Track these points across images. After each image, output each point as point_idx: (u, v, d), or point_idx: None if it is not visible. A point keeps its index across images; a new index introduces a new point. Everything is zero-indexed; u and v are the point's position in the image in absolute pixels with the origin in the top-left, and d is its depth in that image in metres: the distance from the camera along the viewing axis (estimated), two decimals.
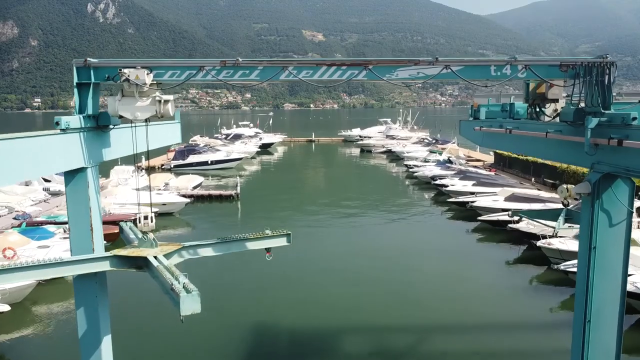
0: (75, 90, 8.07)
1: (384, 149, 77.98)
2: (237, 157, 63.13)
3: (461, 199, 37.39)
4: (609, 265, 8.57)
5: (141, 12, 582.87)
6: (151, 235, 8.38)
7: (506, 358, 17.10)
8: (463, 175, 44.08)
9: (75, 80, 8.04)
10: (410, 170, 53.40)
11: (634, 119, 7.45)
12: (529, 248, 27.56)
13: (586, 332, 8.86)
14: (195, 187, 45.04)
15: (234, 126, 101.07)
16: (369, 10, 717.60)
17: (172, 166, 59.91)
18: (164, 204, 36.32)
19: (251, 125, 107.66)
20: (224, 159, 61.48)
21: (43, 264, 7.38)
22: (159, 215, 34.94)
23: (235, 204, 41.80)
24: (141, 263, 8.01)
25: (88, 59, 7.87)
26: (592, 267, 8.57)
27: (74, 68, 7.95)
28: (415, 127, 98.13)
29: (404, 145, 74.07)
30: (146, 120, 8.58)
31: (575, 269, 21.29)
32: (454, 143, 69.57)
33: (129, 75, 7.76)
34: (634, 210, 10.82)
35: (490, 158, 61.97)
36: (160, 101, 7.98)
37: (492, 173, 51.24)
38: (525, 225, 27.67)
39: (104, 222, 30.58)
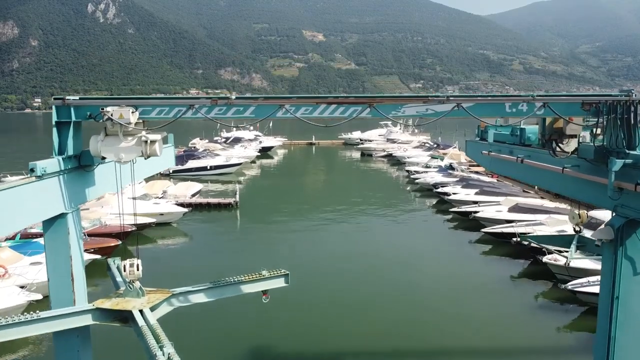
0: (54, 129, 7.44)
1: (385, 153, 77.33)
2: (237, 162, 62.46)
3: (464, 208, 36.75)
4: (633, 317, 7.91)
5: (141, 12, 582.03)
6: (137, 284, 7.74)
7: None
8: (465, 182, 43.44)
9: (54, 119, 7.40)
10: (412, 176, 52.77)
11: None
12: (534, 262, 26.89)
13: None
14: (194, 195, 44.39)
15: (234, 129, 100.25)
16: (369, 11, 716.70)
17: (170, 171, 59.21)
18: (162, 214, 35.70)
19: (251, 127, 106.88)
20: (224, 164, 60.82)
21: (18, 321, 6.74)
22: (157, 225, 34.42)
23: (235, 213, 41.17)
24: (127, 315, 7.37)
25: (67, 97, 7.23)
26: (614, 319, 7.91)
27: (53, 107, 7.30)
28: (416, 131, 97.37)
29: (404, 149, 73.44)
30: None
31: (583, 289, 20.81)
32: (455, 147, 68.89)
33: (112, 115, 7.11)
34: None
35: None
36: (146, 141, 7.32)
37: (494, 179, 50.63)
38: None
39: (100, 235, 29.98)
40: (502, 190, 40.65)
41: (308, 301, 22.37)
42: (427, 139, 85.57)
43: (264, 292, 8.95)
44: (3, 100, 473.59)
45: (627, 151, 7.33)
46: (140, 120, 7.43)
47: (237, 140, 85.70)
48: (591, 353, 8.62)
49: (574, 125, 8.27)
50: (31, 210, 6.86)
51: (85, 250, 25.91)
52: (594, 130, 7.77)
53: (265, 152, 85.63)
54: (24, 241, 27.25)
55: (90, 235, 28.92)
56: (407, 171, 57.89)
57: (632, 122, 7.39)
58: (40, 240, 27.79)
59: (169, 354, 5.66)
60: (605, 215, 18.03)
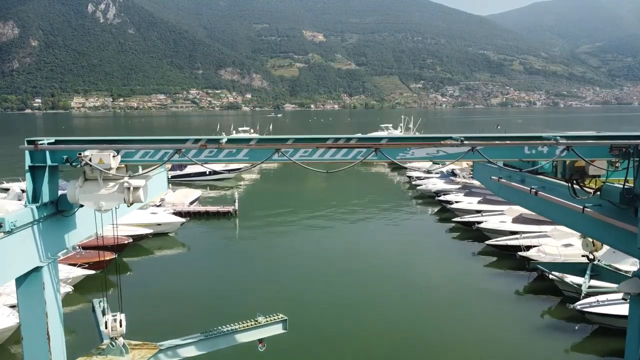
0: (28, 175, 6.75)
1: None
2: (236, 167, 61.67)
3: (467, 218, 36.06)
4: None
5: (142, 13, 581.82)
6: (121, 341, 7.05)
7: None
8: (468, 190, 42.76)
9: (28, 163, 6.71)
10: (413, 183, 52.09)
11: None
12: (540, 277, 26.19)
13: None
14: (192, 202, 43.71)
15: (234, 132, 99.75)
16: (369, 11, 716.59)
17: (169, 177, 58.49)
18: (159, 224, 35.00)
19: (251, 130, 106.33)
20: (223, 170, 60.09)
21: None
22: (154, 235, 33.73)
23: (234, 221, 40.48)
24: None
25: (40, 141, 6.53)
26: None
27: (26, 152, 6.61)
28: (417, 134, 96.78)
29: None
30: None
31: (592, 309, 20.11)
32: None
33: (90, 159, 6.43)
34: None
35: None
36: (129, 188, 6.64)
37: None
38: (536, 253, 26.35)
39: (94, 247, 29.27)
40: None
41: (308, 324, 21.69)
42: None
43: (260, 340, 8.27)
44: (3, 100, 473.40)
45: None
46: (123, 165, 6.77)
47: None
48: None
49: (598, 166, 7.61)
50: (2, 269, 6.16)
51: (79, 265, 25.33)
52: (626, 177, 7.06)
53: None
54: None
55: (84, 248, 28.18)
56: (408, 177, 57.20)
57: None
58: None
59: None
60: None
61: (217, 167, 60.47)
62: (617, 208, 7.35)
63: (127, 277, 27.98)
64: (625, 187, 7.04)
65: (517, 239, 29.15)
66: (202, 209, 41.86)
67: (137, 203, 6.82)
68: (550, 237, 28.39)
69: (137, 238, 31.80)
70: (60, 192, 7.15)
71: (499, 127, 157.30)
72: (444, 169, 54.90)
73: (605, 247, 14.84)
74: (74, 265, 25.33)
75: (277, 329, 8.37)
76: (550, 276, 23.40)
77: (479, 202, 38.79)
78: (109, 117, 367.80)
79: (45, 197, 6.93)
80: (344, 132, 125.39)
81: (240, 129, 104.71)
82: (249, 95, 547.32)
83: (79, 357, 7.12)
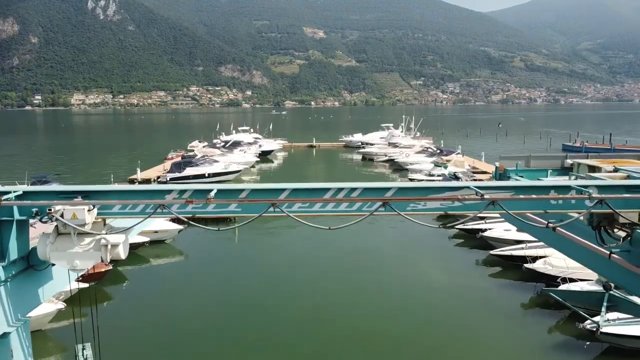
0: None
1: (386, 158, 75.86)
2: (236, 169, 61.00)
3: (470, 225, 35.28)
4: None
5: (142, 9, 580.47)
6: None
7: None
8: None
9: None
10: None
11: None
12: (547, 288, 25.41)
13: None
14: None
15: (233, 131, 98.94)
16: (370, 7, 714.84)
17: (168, 179, 57.86)
18: (156, 232, 34.27)
19: (251, 130, 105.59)
20: (222, 172, 59.33)
21: None
22: (150, 243, 33.04)
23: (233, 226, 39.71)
24: None
25: (6, 194, 5.77)
26: None
27: None
28: (418, 134, 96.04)
29: (407, 155, 71.93)
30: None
31: (603, 329, 19.35)
32: (458, 154, 67.50)
33: (62, 215, 5.70)
34: None
35: None
36: (107, 245, 5.90)
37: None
38: (542, 265, 25.62)
39: None
40: None
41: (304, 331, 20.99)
42: (430, 142, 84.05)
43: None
44: (3, 97, 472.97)
45: None
46: (99, 219, 6.03)
47: (236, 144, 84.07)
48: None
49: (630, 213, 6.88)
50: None
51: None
52: None
53: (264, 156, 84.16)
54: None
55: None
56: (410, 179, 56.42)
57: None
58: None
59: None
60: None
61: (216, 169, 59.83)
62: None
63: (122, 290, 27.27)
64: None
65: (522, 248, 28.40)
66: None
67: (117, 259, 6.07)
68: None
69: (134, 246, 31.13)
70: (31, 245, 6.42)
71: (500, 125, 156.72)
72: (446, 172, 54.23)
73: None
74: None
75: None
76: (559, 289, 22.65)
77: None
78: (109, 115, 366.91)
79: (14, 253, 6.18)
80: (343, 131, 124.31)
81: (240, 128, 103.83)
82: (249, 92, 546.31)
83: None
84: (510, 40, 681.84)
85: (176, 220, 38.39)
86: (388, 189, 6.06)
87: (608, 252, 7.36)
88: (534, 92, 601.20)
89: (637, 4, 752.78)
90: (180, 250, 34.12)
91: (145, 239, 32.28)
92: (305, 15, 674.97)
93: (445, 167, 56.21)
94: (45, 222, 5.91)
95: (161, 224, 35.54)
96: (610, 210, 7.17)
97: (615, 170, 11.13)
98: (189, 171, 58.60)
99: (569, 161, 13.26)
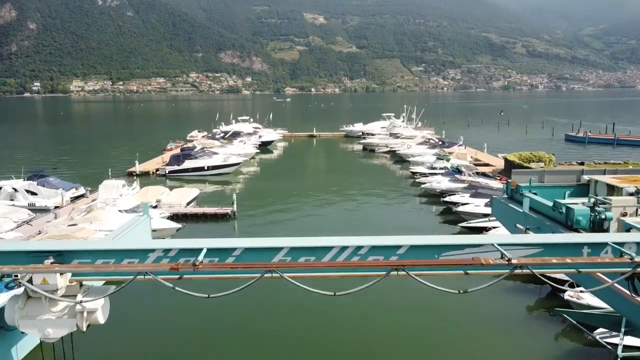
0: None
1: (388, 149, 75.02)
2: (235, 162, 60.30)
3: (474, 223, 34.70)
4: None
5: None
6: None
7: None
8: (474, 191, 41.26)
9: None
10: (417, 180, 50.61)
11: None
12: (553, 295, 24.80)
13: None
14: (190, 202, 42.35)
15: (233, 121, 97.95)
16: None
17: (167, 172, 57.24)
18: (154, 231, 33.54)
19: (251, 119, 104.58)
20: (222, 164, 58.68)
21: None
22: None
23: (232, 223, 39.18)
24: None
25: None
26: None
27: None
28: (419, 124, 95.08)
29: (408, 146, 71.11)
30: None
31: (612, 340, 18.72)
32: (460, 145, 66.72)
33: (31, 280, 5.00)
34: None
35: (499, 162, 59.20)
36: (82, 312, 5.20)
37: (504, 182, 48.58)
38: None
39: None
40: None
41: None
42: (432, 133, 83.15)
43: None
44: (2, 84, 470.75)
45: None
46: (74, 282, 5.33)
47: (235, 134, 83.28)
48: None
49: None
50: None
51: None
52: None
53: (264, 146, 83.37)
54: None
55: None
56: (412, 172, 55.73)
57: None
58: None
59: None
60: None
61: (216, 161, 59.12)
62: None
63: (113, 298, 26.57)
64: None
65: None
66: (199, 210, 40.44)
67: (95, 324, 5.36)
68: None
69: None
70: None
71: (502, 113, 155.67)
72: (449, 165, 53.52)
73: None
74: None
75: None
76: (565, 296, 22.02)
77: (486, 205, 37.32)
78: (108, 102, 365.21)
79: None
80: (344, 120, 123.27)
81: (239, 118, 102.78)
82: (249, 79, 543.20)
83: None
84: (512, 26, 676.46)
85: (175, 216, 37.92)
86: (399, 246, 5.36)
87: None
88: (535, 79, 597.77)
89: None
90: None
91: None
92: (305, 1, 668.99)
93: (448, 160, 55.47)
94: (11, 289, 5.24)
95: (159, 223, 34.92)
96: None
97: (638, 192, 10.41)
98: (187, 164, 58.00)
99: (586, 177, 12.56)
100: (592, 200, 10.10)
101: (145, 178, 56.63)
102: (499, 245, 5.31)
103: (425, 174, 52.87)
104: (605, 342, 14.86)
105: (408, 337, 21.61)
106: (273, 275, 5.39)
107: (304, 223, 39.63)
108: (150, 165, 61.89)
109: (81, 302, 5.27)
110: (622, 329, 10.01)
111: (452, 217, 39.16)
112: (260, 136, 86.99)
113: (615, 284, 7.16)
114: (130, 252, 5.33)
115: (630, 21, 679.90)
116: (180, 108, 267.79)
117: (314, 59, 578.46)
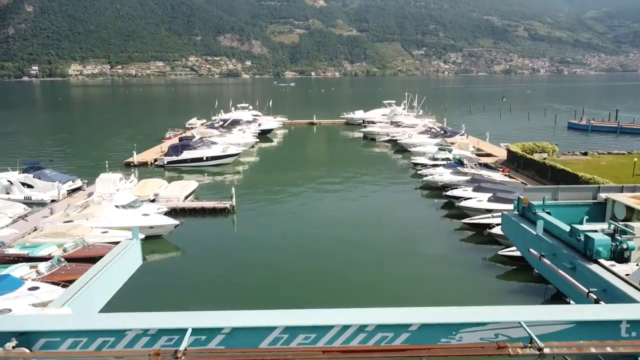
0: None
1: (388, 138, 74.09)
2: (234, 152, 59.50)
3: (476, 219, 34.08)
4: None
5: None
6: None
7: None
8: (477, 184, 40.54)
9: None
10: (419, 172, 49.89)
11: None
12: (557, 294, 24.33)
13: None
14: (188, 195, 41.69)
15: (232, 109, 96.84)
16: None
17: (165, 163, 56.53)
18: (152, 227, 33.09)
19: (250, 107, 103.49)
20: (220, 155, 57.90)
21: None
22: (146, 238, 31.79)
23: (231, 218, 38.57)
24: None
25: None
26: None
27: None
28: (421, 112, 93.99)
29: (409, 135, 70.21)
30: None
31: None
32: (462, 135, 65.84)
33: None
34: None
35: (502, 152, 58.41)
36: None
37: (506, 174, 47.99)
38: None
39: (80, 259, 27.20)
40: (517, 194, 37.79)
41: None
42: (433, 121, 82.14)
43: None
44: (0, 68, 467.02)
45: None
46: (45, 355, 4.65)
47: (235, 122, 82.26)
48: None
49: None
50: None
51: (63, 285, 23.22)
52: None
53: (264, 134, 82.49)
54: None
55: (69, 260, 26.28)
56: (413, 164, 55.00)
57: None
58: (16, 270, 25.16)
59: None
60: None
61: (215, 152, 58.34)
62: None
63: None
64: None
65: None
66: (197, 205, 39.76)
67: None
68: None
69: None
70: None
71: (504, 99, 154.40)
72: (450, 156, 52.80)
73: None
74: (57, 284, 23.46)
75: None
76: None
77: (489, 200, 36.69)
78: (107, 86, 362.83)
79: None
80: (344, 106, 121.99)
81: (239, 105, 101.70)
82: (248, 63, 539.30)
83: None
84: (514, 8, 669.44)
85: (173, 210, 37.31)
86: (409, 324, 4.70)
87: None
88: (537, 62, 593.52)
89: None
90: (176, 246, 33.06)
91: (140, 235, 31.06)
92: None
93: (450, 151, 54.68)
94: None
95: (157, 219, 34.37)
96: None
97: None
98: (186, 154, 57.27)
99: (603, 196, 11.86)
100: (612, 227, 9.45)
101: (144, 168, 55.96)
102: (527, 325, 4.68)
103: (426, 165, 52.14)
104: None
105: None
106: (272, 340, 4.76)
107: (302, 219, 39.01)
108: (149, 155, 61.13)
109: None
110: None
111: (454, 211, 38.55)
112: (259, 124, 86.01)
113: None
114: (104, 332, 4.68)
115: (634, 4, 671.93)
116: (179, 92, 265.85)
117: (314, 42, 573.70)
